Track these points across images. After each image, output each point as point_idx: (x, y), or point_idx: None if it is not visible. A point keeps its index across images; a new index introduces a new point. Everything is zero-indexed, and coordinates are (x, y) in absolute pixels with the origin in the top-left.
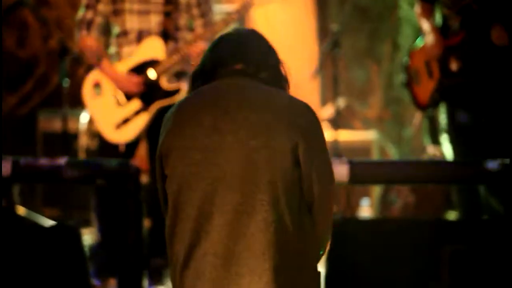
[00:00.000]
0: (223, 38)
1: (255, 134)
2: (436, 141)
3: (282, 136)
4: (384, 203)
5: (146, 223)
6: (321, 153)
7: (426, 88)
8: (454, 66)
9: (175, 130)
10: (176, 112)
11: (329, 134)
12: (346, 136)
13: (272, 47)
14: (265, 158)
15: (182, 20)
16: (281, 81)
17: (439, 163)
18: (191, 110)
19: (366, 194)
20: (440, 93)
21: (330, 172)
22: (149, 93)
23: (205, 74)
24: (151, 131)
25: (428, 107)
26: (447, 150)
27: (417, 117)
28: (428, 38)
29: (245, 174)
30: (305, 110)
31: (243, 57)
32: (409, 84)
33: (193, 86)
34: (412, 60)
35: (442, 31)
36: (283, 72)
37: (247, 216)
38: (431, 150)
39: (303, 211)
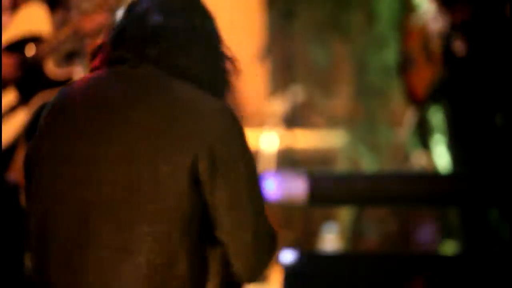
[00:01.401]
0: None
1: (142, 144)
2: (425, 145)
3: (177, 148)
4: (355, 231)
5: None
6: (233, 173)
7: (423, 75)
8: (459, 48)
9: (46, 130)
10: (53, 105)
11: (281, 136)
12: (304, 139)
13: (208, 16)
14: (153, 178)
15: None
16: (208, 74)
17: (433, 176)
18: (71, 104)
19: (332, 219)
20: (442, 84)
21: (249, 207)
22: (28, 80)
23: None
24: (33, 134)
25: (424, 102)
26: (441, 158)
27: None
28: (427, 11)
29: (125, 199)
30: (217, 114)
31: (155, 36)
32: (403, 71)
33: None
34: (406, 40)
35: (445, 1)
36: (220, 59)
37: (126, 255)
38: (417, 158)
39: (207, 248)
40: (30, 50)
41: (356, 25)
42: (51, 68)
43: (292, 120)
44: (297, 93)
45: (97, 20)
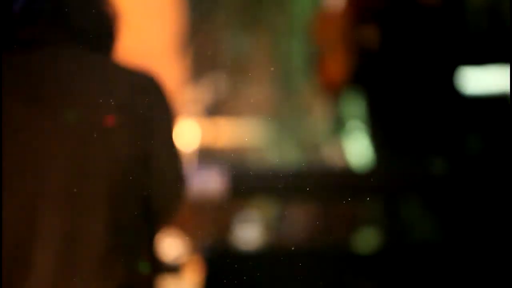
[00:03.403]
0: None
1: (84, 130)
2: (339, 133)
3: (120, 131)
4: (274, 227)
5: None
6: (168, 148)
7: (337, 64)
8: (371, 36)
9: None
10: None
11: (202, 125)
12: (225, 127)
13: None
14: (98, 163)
15: None
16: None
17: (352, 171)
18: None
19: (249, 214)
20: (355, 74)
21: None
22: None
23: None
24: None
25: (340, 90)
26: (356, 147)
27: (319, 105)
28: None
29: (71, 188)
30: (151, 89)
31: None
32: (318, 59)
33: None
34: (321, 28)
35: None
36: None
37: (79, 247)
38: (329, 148)
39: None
40: None
41: (272, 13)
42: None
43: (214, 108)
44: (219, 80)
45: None
